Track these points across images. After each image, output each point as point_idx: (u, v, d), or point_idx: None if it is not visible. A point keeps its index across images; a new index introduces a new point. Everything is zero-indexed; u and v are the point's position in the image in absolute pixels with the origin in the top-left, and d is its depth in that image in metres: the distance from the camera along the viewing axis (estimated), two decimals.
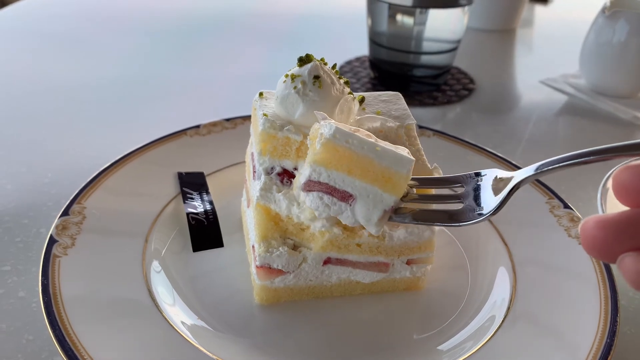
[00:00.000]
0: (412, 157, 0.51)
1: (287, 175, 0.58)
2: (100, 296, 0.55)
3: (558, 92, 1.21)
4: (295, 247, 0.59)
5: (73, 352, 0.47)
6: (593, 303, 0.58)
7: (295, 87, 0.56)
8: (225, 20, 1.52)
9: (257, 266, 0.58)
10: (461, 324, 0.60)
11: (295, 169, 0.58)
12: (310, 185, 0.52)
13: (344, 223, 0.53)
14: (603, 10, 1.11)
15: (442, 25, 1.06)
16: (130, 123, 0.97)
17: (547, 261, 0.65)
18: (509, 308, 0.59)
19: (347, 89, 0.59)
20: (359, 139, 0.50)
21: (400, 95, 0.67)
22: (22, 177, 0.78)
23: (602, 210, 0.66)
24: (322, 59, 0.59)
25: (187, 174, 0.74)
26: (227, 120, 0.85)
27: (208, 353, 0.52)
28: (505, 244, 0.68)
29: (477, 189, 0.51)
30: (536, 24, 1.72)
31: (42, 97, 1.03)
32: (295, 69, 0.57)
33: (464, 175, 0.53)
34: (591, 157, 0.42)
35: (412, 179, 0.54)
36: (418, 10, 1.02)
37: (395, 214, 0.52)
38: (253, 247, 0.60)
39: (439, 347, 0.57)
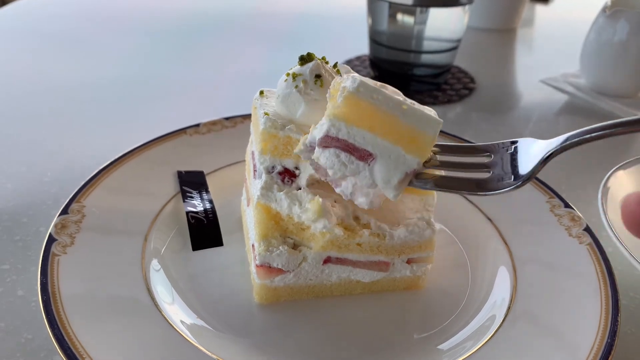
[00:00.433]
0: (439, 119, 0.48)
1: (287, 175, 0.58)
2: (99, 295, 0.55)
3: (558, 92, 1.21)
4: (295, 246, 0.58)
5: (72, 351, 0.47)
6: (594, 303, 0.58)
7: (296, 86, 0.56)
8: (224, 19, 1.52)
9: (257, 265, 0.57)
10: (461, 324, 0.59)
11: (297, 168, 0.58)
12: (327, 141, 0.49)
13: (360, 184, 0.50)
14: (604, 9, 1.11)
15: (442, 24, 1.05)
16: (130, 122, 0.97)
17: (547, 260, 0.65)
18: (509, 308, 0.59)
19: None
20: (384, 95, 0.48)
21: (400, 92, 0.67)
22: (21, 176, 0.78)
23: (603, 209, 0.66)
24: (323, 58, 0.59)
25: (187, 172, 0.74)
26: (227, 119, 0.84)
27: (207, 352, 0.51)
28: (506, 244, 0.68)
29: (505, 158, 0.49)
30: (537, 24, 1.72)
31: (42, 96, 1.03)
32: (296, 68, 0.57)
33: (493, 144, 0.51)
34: (619, 129, 0.42)
35: (436, 145, 0.51)
36: (418, 9, 1.02)
37: (416, 178, 0.49)
38: (253, 246, 0.59)
39: (439, 347, 0.57)
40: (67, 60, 1.19)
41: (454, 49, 1.12)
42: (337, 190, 0.53)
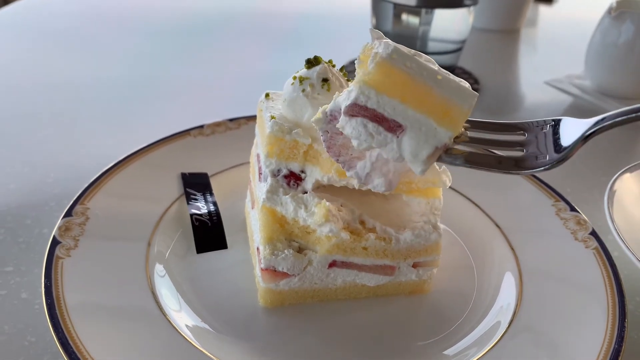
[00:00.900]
0: (475, 92, 0.46)
1: (293, 178, 0.57)
2: (104, 298, 0.54)
3: (563, 93, 1.20)
4: (300, 250, 0.58)
5: (76, 355, 0.47)
6: (600, 308, 0.57)
7: (303, 90, 0.55)
8: (228, 19, 1.51)
9: (261, 269, 0.57)
10: (467, 329, 0.59)
11: (302, 171, 0.57)
12: (355, 110, 0.46)
13: (385, 157, 0.48)
14: (609, 11, 1.11)
15: (447, 26, 1.05)
16: (134, 123, 0.96)
17: (553, 265, 0.64)
18: (514, 313, 0.59)
19: None
20: (418, 63, 0.45)
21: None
22: (25, 177, 0.78)
23: (609, 213, 0.66)
24: (330, 61, 0.58)
25: (191, 174, 0.74)
26: (231, 120, 0.84)
27: (212, 356, 0.51)
28: (511, 247, 0.67)
29: (540, 137, 0.47)
30: (541, 24, 1.71)
31: (45, 96, 1.03)
32: (303, 71, 0.57)
33: (527, 122, 0.49)
34: None
35: (467, 121, 0.49)
36: (424, 11, 1.02)
37: (445, 154, 0.46)
38: (258, 249, 0.59)
39: (445, 352, 0.56)
40: (71, 59, 1.19)
41: (459, 50, 1.12)
42: (350, 173, 0.51)
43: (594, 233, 0.67)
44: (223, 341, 0.55)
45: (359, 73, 0.48)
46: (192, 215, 0.68)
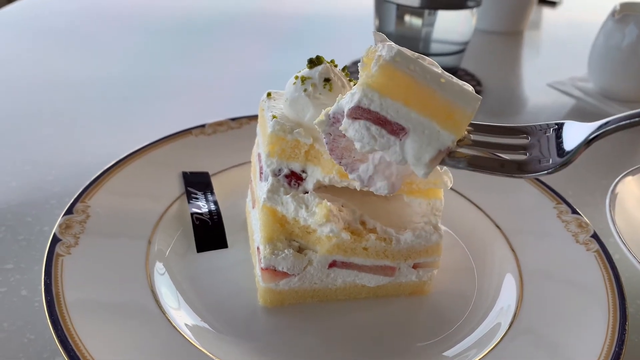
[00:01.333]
0: (479, 95, 0.46)
1: (294, 177, 0.57)
2: (103, 297, 0.54)
3: (566, 96, 1.20)
4: (300, 250, 0.58)
5: (75, 352, 0.47)
6: (601, 310, 0.57)
7: (305, 90, 0.55)
8: (229, 19, 1.51)
9: (262, 268, 0.57)
10: (467, 330, 0.59)
11: (303, 171, 0.57)
12: (358, 113, 0.46)
13: (388, 159, 0.48)
14: (612, 13, 1.10)
15: (450, 27, 1.05)
16: (135, 121, 0.96)
17: (554, 267, 0.64)
18: (515, 315, 0.59)
19: None
20: (422, 66, 0.45)
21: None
22: (25, 175, 0.78)
23: (611, 216, 0.66)
24: (332, 61, 0.58)
25: (192, 173, 0.74)
26: (233, 119, 0.84)
27: (211, 355, 0.51)
28: (512, 249, 0.67)
29: (543, 140, 0.47)
30: (544, 27, 1.71)
31: (46, 94, 1.03)
32: (305, 71, 0.57)
33: (530, 125, 0.49)
34: None
35: (470, 124, 0.49)
36: (427, 12, 1.01)
37: (448, 157, 0.46)
38: (258, 248, 0.59)
39: (444, 354, 0.56)
40: (71, 58, 1.19)
41: (462, 51, 1.11)
42: (352, 175, 0.51)
43: (595, 236, 0.66)
44: (222, 340, 0.55)
45: (362, 76, 0.48)
46: (192, 214, 0.68)
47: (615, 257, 0.64)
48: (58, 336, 0.48)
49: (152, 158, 0.74)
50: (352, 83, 0.58)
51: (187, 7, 1.57)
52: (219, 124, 0.83)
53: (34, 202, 0.72)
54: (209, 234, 0.66)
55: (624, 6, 1.10)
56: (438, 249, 0.60)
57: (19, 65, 1.15)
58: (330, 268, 0.59)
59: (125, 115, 0.98)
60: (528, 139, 0.49)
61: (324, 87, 0.55)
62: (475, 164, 0.47)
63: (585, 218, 0.69)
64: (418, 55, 0.47)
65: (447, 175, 0.58)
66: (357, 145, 0.47)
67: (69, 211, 0.62)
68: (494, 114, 1.09)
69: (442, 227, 0.60)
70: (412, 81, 0.45)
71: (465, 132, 0.48)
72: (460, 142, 0.47)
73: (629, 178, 0.75)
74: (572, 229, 0.68)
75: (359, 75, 0.49)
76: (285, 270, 0.57)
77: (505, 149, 0.49)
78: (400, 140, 0.46)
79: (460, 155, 0.47)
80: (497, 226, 0.71)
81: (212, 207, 0.70)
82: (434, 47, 1.07)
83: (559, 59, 1.45)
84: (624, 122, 0.44)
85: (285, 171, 0.57)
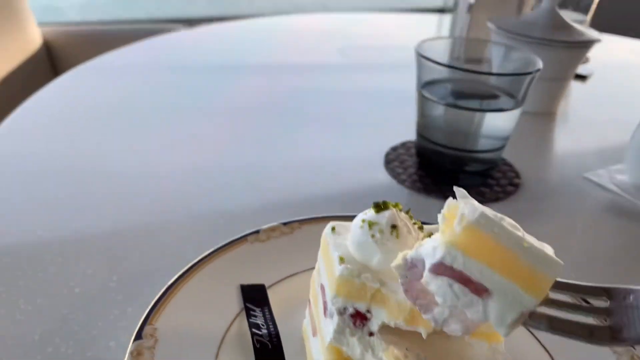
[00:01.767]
0: (560, 260, 0.47)
1: (359, 317, 0.59)
2: None
3: (602, 189, 1.21)
4: None
5: None
6: None
7: (372, 236, 0.58)
8: (267, 101, 1.56)
9: None
10: None
11: (368, 311, 0.59)
12: (441, 269, 0.47)
13: (470, 317, 0.48)
14: None
15: (498, 125, 1.08)
16: (193, 220, 0.99)
17: None
18: None
19: (422, 234, 0.60)
20: (505, 230, 0.46)
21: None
22: (88, 281, 0.81)
23: None
24: (397, 204, 0.61)
25: (249, 287, 0.76)
26: (285, 224, 0.87)
27: None
28: None
29: (626, 306, 0.47)
30: (576, 105, 1.73)
31: (106, 193, 1.06)
32: (371, 215, 0.59)
33: (613, 287, 0.49)
34: None
35: None
36: (477, 114, 1.04)
37: (529, 318, 0.47)
38: None
39: None
40: (124, 144, 1.24)
41: (504, 145, 1.14)
42: (426, 316, 0.52)
43: None
44: None
45: (444, 232, 0.50)
46: (252, 334, 0.70)
47: None
48: None
49: (211, 271, 0.77)
50: (416, 226, 0.61)
51: (229, 91, 1.63)
52: (272, 229, 0.86)
53: (98, 312, 0.75)
54: (270, 359, 0.68)
55: None
56: None
57: (73, 147, 1.19)
58: None
59: (178, 210, 1.01)
60: (608, 302, 0.49)
61: (391, 234, 0.58)
62: (556, 327, 0.47)
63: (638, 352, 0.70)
64: (501, 217, 0.49)
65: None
66: (439, 300, 0.49)
67: (139, 336, 0.64)
68: (533, 210, 1.11)
69: None
70: (496, 244, 0.46)
71: None
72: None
73: None
74: None
75: (439, 230, 0.51)
76: None
77: (585, 310, 0.49)
78: (484, 300, 0.47)
79: (541, 316, 0.48)
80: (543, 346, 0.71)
81: (271, 328, 0.71)
82: (480, 144, 1.10)
83: (593, 142, 1.47)
84: None
85: (351, 310, 0.59)
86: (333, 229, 0.64)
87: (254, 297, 0.75)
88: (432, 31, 2.38)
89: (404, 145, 1.30)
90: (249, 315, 0.72)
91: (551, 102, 1.57)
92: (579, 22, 1.94)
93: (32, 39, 2.45)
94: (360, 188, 1.12)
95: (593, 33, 1.51)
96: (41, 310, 0.75)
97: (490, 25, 1.51)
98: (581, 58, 1.52)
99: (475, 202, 0.49)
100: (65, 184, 1.05)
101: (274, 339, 0.70)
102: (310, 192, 1.09)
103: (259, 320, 0.72)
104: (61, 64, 2.54)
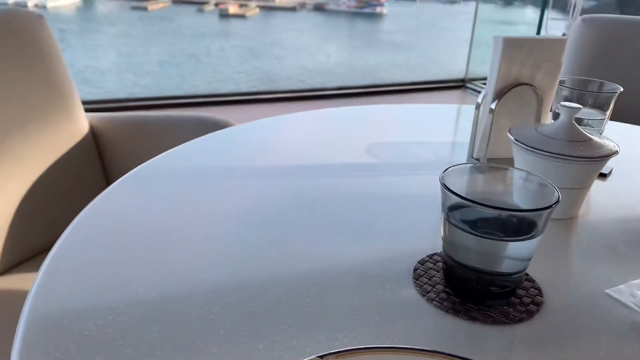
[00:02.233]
0: None
1: None
2: None
3: (625, 307, 1.26)
4: None
5: None
6: None
7: None
8: (288, 205, 1.65)
9: None
10: None
11: None
12: None
13: None
14: None
15: (523, 248, 1.16)
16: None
17: None
18: None
19: None
20: None
21: None
22: None
23: None
24: None
25: None
26: (321, 357, 0.94)
27: None
28: None
29: None
30: (599, 207, 1.79)
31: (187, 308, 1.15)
32: None
33: None
34: None
35: None
36: (504, 244, 1.13)
37: None
38: None
39: None
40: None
41: (527, 266, 1.21)
42: None
43: None
44: None
45: None
46: None
47: None
48: None
49: None
50: None
51: (241, 207, 1.73)
52: None
53: None
54: None
55: None
56: None
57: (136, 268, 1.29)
58: None
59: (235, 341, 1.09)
60: None
61: None
62: None
63: None
64: None
65: None
66: None
67: None
68: (557, 331, 1.16)
69: None
70: None
71: None
72: None
73: None
74: None
75: None
76: None
77: None
78: None
79: None
80: None
81: None
82: (505, 267, 1.17)
83: (614, 251, 1.52)
84: None
85: None
86: None
87: None
88: (452, 119, 2.47)
89: (431, 257, 1.38)
90: None
91: (571, 209, 1.64)
92: (598, 120, 2.04)
93: (81, 127, 2.64)
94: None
95: (610, 144, 1.59)
96: None
97: (510, 136, 1.61)
98: (600, 169, 1.60)
99: None
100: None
101: None
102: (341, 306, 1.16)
103: None
104: (107, 150, 2.73)
